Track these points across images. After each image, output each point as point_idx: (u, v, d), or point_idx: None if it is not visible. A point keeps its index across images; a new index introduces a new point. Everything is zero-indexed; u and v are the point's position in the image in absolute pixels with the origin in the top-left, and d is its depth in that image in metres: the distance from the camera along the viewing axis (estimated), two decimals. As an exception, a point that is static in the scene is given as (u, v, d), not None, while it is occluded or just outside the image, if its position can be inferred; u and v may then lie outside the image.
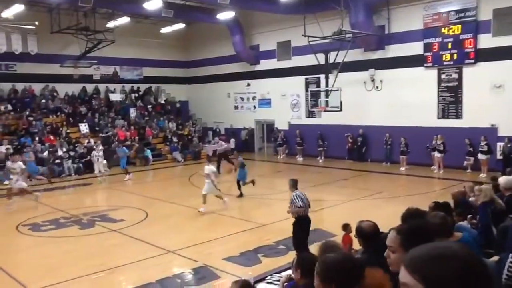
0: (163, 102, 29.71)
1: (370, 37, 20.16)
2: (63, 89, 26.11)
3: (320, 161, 22.56)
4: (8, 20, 19.53)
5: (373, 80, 21.32)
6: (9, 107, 23.08)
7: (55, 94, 25.76)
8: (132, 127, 25.33)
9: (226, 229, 11.02)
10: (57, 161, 20.38)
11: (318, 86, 22.90)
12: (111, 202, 14.59)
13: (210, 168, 12.96)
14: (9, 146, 19.89)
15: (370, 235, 4.16)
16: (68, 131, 23.25)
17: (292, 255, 7.18)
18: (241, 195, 14.75)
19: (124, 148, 20.04)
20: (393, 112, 20.44)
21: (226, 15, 22.83)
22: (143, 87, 29.58)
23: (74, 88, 26.54)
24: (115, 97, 27.61)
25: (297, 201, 7.98)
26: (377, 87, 21.29)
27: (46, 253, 9.83)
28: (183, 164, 23.96)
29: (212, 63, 29.33)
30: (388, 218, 4.74)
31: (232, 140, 27.06)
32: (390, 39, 20.59)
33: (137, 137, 24.61)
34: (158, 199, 15.14)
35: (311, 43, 20.29)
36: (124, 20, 23.67)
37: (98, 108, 26.05)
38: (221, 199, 13.00)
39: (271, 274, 7.20)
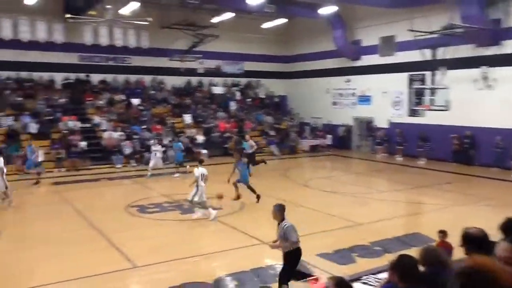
0: (262, 96, 30.24)
1: (483, 31, 18.68)
2: (170, 81, 27.70)
3: (421, 162, 21.48)
4: (125, 17, 21.11)
5: (485, 78, 19.75)
6: (123, 97, 25.00)
7: (162, 85, 27.42)
8: (232, 120, 26.15)
9: (321, 225, 10.97)
10: (162, 149, 21.66)
11: (423, 83, 21.78)
12: (210, 191, 15.16)
13: (199, 170, 11.76)
14: (122, 133, 21.62)
15: (479, 242, 3.88)
16: (173, 121, 24.62)
17: (388, 258, 6.96)
18: (258, 196, 13.41)
19: (179, 143, 20.29)
20: (508, 113, 18.79)
21: (328, 10, 22.55)
22: (243, 81, 30.37)
23: (180, 81, 28.03)
24: (217, 90, 28.71)
25: (292, 234, 6.60)
26: (489, 86, 19.69)
27: (150, 233, 10.56)
28: (279, 158, 24.24)
29: (312, 58, 29.23)
30: (495, 229, 4.35)
31: (329, 136, 26.84)
32: (506, 34, 18.92)
33: (236, 129, 25.35)
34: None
35: (417, 38, 19.34)
36: (228, 15, 24.42)
37: (201, 100, 27.27)
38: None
39: (367, 275, 7.04)
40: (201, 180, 11.61)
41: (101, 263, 8.48)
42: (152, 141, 19.70)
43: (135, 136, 22.04)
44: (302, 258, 6.79)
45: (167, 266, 8.46)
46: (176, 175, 18.39)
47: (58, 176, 18.36)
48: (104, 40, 24.62)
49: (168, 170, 19.22)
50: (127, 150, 20.98)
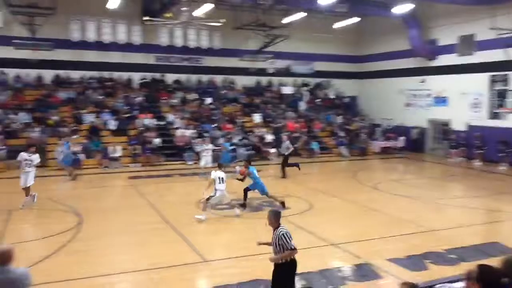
0: (332, 96, 29.88)
1: None
2: (241, 81, 28.15)
3: (503, 168, 20.18)
4: (199, 19, 21.73)
5: None
6: (195, 96, 25.77)
7: (233, 85, 27.94)
8: (301, 120, 26.10)
9: (391, 230, 10.65)
10: (232, 147, 22.12)
11: (506, 84, 20.45)
12: (277, 190, 15.21)
13: (216, 173, 11.60)
14: (194, 131, 22.31)
15: None
16: (243, 120, 25.00)
17: (464, 267, 6.63)
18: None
19: (228, 143, 20.24)
20: None
21: (402, 8, 21.83)
22: (313, 81, 30.19)
23: (250, 81, 28.41)
24: (287, 90, 28.76)
25: (289, 241, 5.96)
26: None
27: (219, 229, 10.81)
28: (349, 159, 23.84)
29: (384, 58, 28.44)
30: None
31: (402, 138, 25.98)
32: None
33: (305, 129, 25.26)
34: (322, 192, 15.36)
35: (500, 36, 18.21)
36: (299, 16, 24.37)
37: (270, 100, 27.46)
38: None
39: (442, 283, 6.74)
40: (220, 183, 11.51)
41: (173, 256, 8.80)
42: (204, 139, 20.03)
43: (206, 134, 22.63)
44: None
45: (236, 262, 8.61)
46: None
47: (134, 170, 19.27)
48: (178, 41, 25.58)
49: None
50: (198, 148, 21.58)
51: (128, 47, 24.72)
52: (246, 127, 24.61)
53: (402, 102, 27.39)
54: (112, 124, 21.99)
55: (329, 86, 30.53)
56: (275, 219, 6.14)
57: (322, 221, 11.53)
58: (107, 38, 24.16)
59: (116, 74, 25.35)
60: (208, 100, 25.82)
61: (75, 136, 20.44)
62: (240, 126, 24.25)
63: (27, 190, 12.49)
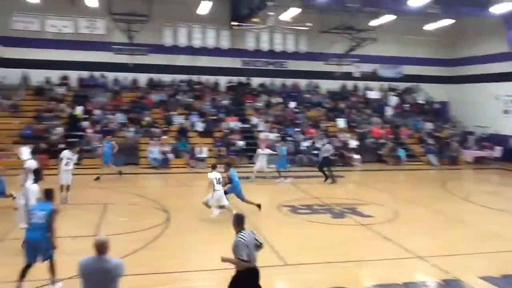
0: (421, 101, 28.61)
1: None
2: (325, 85, 27.91)
3: None
4: (286, 23, 21.91)
5: None
6: (280, 100, 25.99)
7: (317, 89, 27.78)
8: (387, 125, 25.29)
9: (484, 245, 9.98)
10: (315, 152, 22.00)
11: None
12: (361, 197, 14.91)
13: (213, 174, 11.74)
14: (277, 134, 22.51)
15: None
16: (327, 125, 24.75)
17: None
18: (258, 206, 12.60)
19: (284, 148, 19.17)
20: None
21: (502, 8, 20.35)
22: (401, 85, 29.12)
23: (335, 85, 28.06)
24: (373, 94, 28.03)
25: (240, 251, 5.65)
26: None
27: (301, 234, 10.76)
28: (438, 168, 22.68)
29: (479, 61, 26.67)
30: None
31: (498, 148, 24.19)
32: None
33: (391, 136, 24.45)
34: (408, 201, 14.76)
35: None
36: (387, 18, 23.63)
37: (355, 105, 26.93)
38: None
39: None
40: (217, 183, 11.55)
41: (255, 257, 8.94)
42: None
43: (289, 138, 22.73)
44: None
45: (317, 267, 8.55)
46: (278, 180, 17.75)
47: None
48: (265, 46, 25.98)
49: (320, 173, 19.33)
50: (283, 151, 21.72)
51: (216, 51, 25.56)
52: (330, 132, 24.34)
53: (500, 108, 25.52)
54: (200, 126, 22.84)
55: (418, 91, 29.27)
56: (236, 223, 5.95)
57: (408, 232, 11.08)
58: (197, 43, 25.18)
59: (204, 78, 26.32)
60: (292, 104, 25.91)
61: (165, 137, 21.53)
62: (324, 131, 24.04)
63: (67, 187, 13.08)
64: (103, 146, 17.78)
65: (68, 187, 13.17)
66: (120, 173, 17.30)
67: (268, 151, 18.17)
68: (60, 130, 20.73)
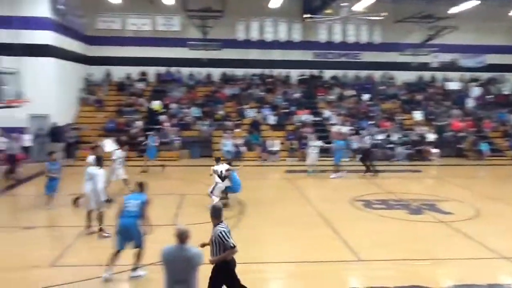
0: (507, 92, 26.74)
1: None
2: (401, 77, 26.92)
3: None
4: (359, 13, 21.36)
5: None
6: (353, 92, 25.46)
7: (392, 81, 26.87)
8: (468, 118, 23.93)
9: None
10: (389, 145, 21.39)
11: None
12: (439, 193, 14.28)
13: (219, 166, 12.05)
14: (351, 127, 22.12)
15: None
16: (402, 117, 23.90)
17: None
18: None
19: (342, 142, 18.28)
20: None
21: None
22: (484, 75, 27.39)
23: (411, 76, 26.98)
24: (453, 85, 26.62)
25: (228, 239, 5.64)
26: None
27: (375, 229, 10.51)
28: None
29: None
30: None
31: None
32: None
33: (473, 129, 23.12)
34: (490, 197, 13.95)
35: None
36: (469, 4, 22.23)
37: (433, 97, 25.74)
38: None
39: None
40: (220, 176, 11.78)
41: (325, 251, 8.90)
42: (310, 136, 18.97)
43: (362, 131, 22.24)
44: None
45: (391, 264, 8.33)
46: (333, 175, 17.08)
47: (290, 165, 19.85)
48: (337, 37, 25.50)
49: (395, 168, 18.76)
50: (354, 145, 21.32)
51: (288, 44, 25.51)
52: (406, 125, 23.47)
53: None
54: (272, 119, 22.99)
55: (503, 81, 27.36)
56: (214, 215, 5.84)
57: (490, 230, 10.44)
58: (268, 36, 25.27)
59: (276, 71, 26.41)
60: (366, 96, 25.28)
61: (237, 130, 21.91)
62: (399, 124, 23.23)
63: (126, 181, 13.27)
64: (149, 140, 18.09)
65: (126, 181, 13.50)
66: (163, 167, 17.57)
67: (319, 143, 17.87)
68: (139, 123, 21.80)
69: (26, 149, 17.88)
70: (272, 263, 8.42)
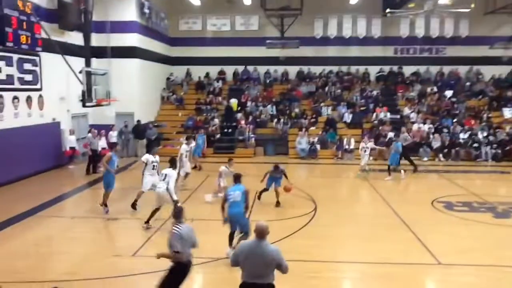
0: None
1: None
2: (489, 72, 25.21)
3: None
4: (445, 6, 20.34)
5: None
6: (435, 89, 24.29)
7: (480, 76, 25.26)
8: None
9: None
10: (475, 145, 20.18)
11: None
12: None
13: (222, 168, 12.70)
14: (431, 126, 21.14)
15: None
16: (490, 115, 22.41)
17: None
18: None
19: (399, 143, 16.55)
20: None
21: None
22: None
23: (500, 71, 25.16)
24: (548, 81, 24.52)
25: (175, 241, 5.65)
26: None
27: (457, 232, 9.98)
28: None
29: None
30: None
31: None
32: None
33: None
34: None
35: None
36: None
37: (526, 93, 23.88)
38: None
39: None
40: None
41: (403, 253, 8.60)
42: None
43: (445, 130, 21.18)
44: None
45: (474, 270, 7.89)
46: (387, 178, 15.93)
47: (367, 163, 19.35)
48: (419, 32, 24.48)
49: (480, 168, 17.65)
50: (436, 144, 20.37)
51: (366, 40, 24.92)
52: (493, 122, 21.97)
53: None
54: (348, 117, 22.58)
55: None
56: (174, 215, 6.01)
57: None
58: (347, 33, 24.86)
59: (353, 68, 25.92)
60: (449, 93, 24.00)
61: (312, 128, 21.79)
62: (486, 122, 21.81)
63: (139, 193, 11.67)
64: (197, 139, 17.92)
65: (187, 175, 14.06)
66: (200, 167, 17.18)
67: (371, 145, 16.81)
68: (217, 121, 22.42)
69: (112, 145, 19.06)
70: (347, 262, 8.30)
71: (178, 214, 5.99)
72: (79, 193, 13.81)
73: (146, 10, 21.17)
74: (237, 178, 8.70)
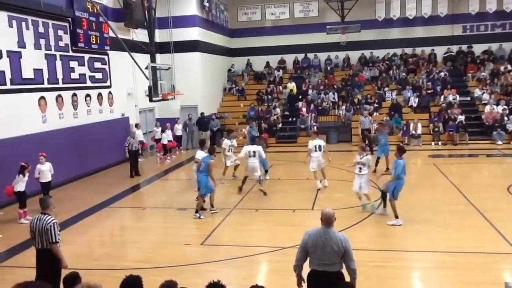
0: None
1: None
2: None
3: None
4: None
5: None
6: (509, 67, 22.77)
7: (563, 52, 23.39)
8: None
9: None
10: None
11: None
12: None
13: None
14: (505, 107, 19.90)
15: None
16: None
17: None
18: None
19: None
20: None
21: None
22: None
23: None
24: None
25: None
26: None
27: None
28: None
29: None
30: None
31: None
32: None
33: None
34: None
35: None
36: None
37: None
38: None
39: None
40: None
41: (477, 241, 8.23)
42: None
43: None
44: None
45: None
46: None
47: (434, 149, 18.66)
48: (491, 7, 23.01)
49: None
50: (511, 126, 19.16)
51: (432, 20, 23.78)
52: None
53: None
54: (414, 101, 21.76)
55: None
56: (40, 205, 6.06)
57: None
58: (411, 13, 23.89)
59: (419, 50, 24.90)
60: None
61: (376, 114, 21.21)
62: None
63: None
64: (248, 129, 17.80)
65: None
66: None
67: (368, 159, 15.24)
68: (278, 110, 22.44)
69: (178, 138, 19.72)
70: (416, 251, 8.06)
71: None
72: (147, 185, 14.42)
73: (206, 3, 21.52)
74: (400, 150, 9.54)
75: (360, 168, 10.40)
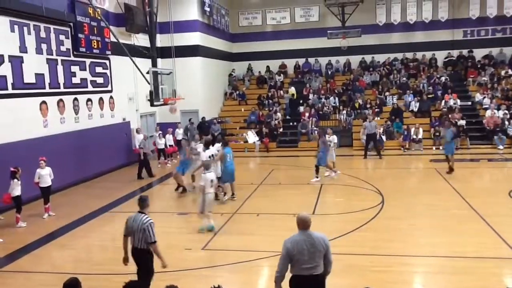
0: None
1: None
2: None
3: None
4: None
5: None
6: (510, 72, 22.78)
7: None
8: None
9: None
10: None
11: None
12: None
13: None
14: (506, 111, 19.89)
15: None
16: None
17: None
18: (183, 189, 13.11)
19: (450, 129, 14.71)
20: None
21: None
22: None
23: None
24: None
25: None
26: None
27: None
28: None
29: None
30: None
31: None
32: None
33: None
34: None
35: None
36: None
37: None
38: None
39: None
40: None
41: (478, 246, 8.20)
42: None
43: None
44: None
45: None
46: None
47: (436, 153, 18.64)
48: (492, 11, 23.08)
49: None
50: (511, 131, 19.16)
51: (433, 24, 23.86)
52: None
53: None
54: (414, 106, 21.76)
55: None
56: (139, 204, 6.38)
57: None
58: (411, 18, 23.96)
59: (419, 54, 24.94)
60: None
61: (377, 118, 21.20)
62: None
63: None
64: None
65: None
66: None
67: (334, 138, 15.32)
68: (279, 115, 22.45)
69: (179, 142, 19.70)
70: (418, 256, 8.03)
71: (142, 205, 6.55)
72: (148, 190, 14.41)
73: (207, 8, 21.59)
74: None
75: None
